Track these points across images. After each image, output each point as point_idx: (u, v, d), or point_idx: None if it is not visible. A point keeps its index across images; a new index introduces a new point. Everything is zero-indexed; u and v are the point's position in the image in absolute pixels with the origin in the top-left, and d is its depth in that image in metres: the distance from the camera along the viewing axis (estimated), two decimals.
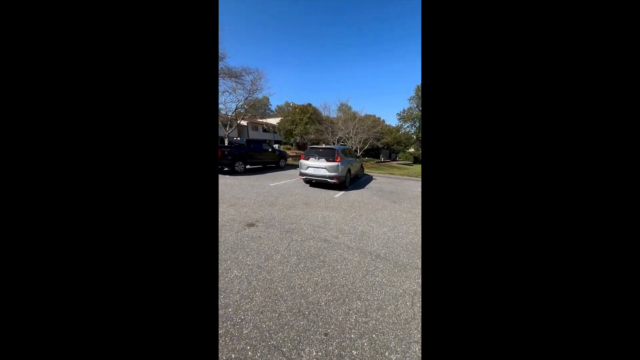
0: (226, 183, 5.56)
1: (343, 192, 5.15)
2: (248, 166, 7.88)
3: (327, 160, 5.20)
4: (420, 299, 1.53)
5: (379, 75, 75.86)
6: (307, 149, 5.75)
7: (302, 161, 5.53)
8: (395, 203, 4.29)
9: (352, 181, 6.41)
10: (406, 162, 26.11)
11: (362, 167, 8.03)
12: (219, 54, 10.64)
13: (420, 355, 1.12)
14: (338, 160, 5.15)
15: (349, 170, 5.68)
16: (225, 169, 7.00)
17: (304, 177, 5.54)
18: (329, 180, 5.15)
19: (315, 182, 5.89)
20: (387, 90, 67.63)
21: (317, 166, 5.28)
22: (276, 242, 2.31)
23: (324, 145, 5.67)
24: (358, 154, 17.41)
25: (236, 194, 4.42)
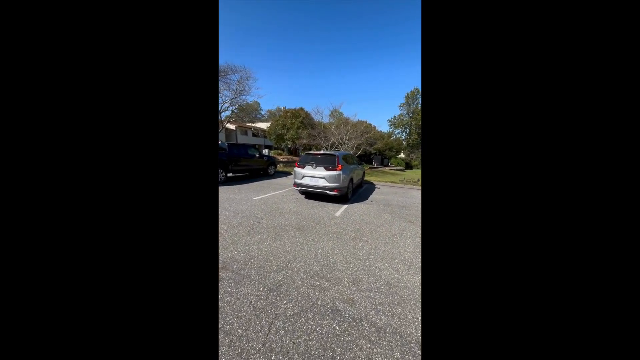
0: None
1: (345, 206, 4.19)
2: (230, 174, 6.75)
3: (327, 168, 4.24)
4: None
5: (370, 81, 77.54)
6: (302, 155, 4.77)
7: (297, 169, 4.54)
8: (414, 224, 3.38)
9: (354, 191, 5.50)
10: (398, 167, 25.97)
11: (364, 174, 7.17)
12: None
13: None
14: (339, 168, 4.21)
15: (351, 180, 4.75)
16: None
17: (299, 189, 4.53)
18: (328, 192, 4.18)
19: (312, 194, 4.91)
20: (378, 96, 68.97)
21: (314, 175, 4.31)
22: (248, 324, 1.28)
23: (322, 151, 4.74)
24: None
25: None
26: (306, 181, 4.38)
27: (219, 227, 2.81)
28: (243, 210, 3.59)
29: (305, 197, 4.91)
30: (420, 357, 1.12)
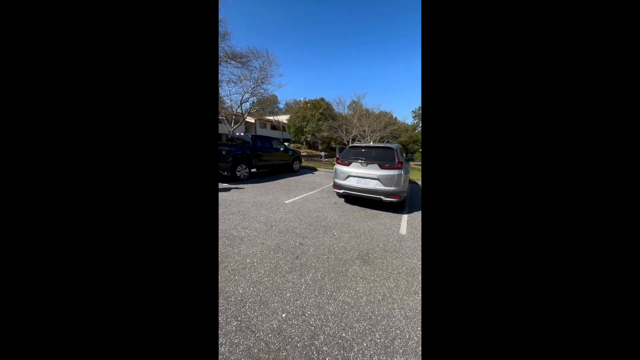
0: (221, 199, 3.69)
1: (405, 216, 3.15)
2: (254, 170, 6.03)
3: (382, 166, 3.20)
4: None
5: (393, 71, 72.68)
6: (346, 149, 3.76)
7: (340, 167, 3.56)
8: None
9: None
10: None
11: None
12: (221, 32, 8.87)
13: None
14: (399, 166, 3.15)
15: (408, 182, 3.68)
16: (226, 173, 5.15)
17: (342, 191, 3.54)
18: (383, 198, 3.16)
19: (354, 197, 3.94)
20: (402, 87, 64.42)
21: (365, 175, 3.29)
22: None
23: (372, 144, 3.67)
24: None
25: (231, 226, 2.53)
26: (352, 183, 3.39)
27: (250, 252, 1.98)
28: (277, 222, 2.74)
29: (345, 201, 3.96)
30: None
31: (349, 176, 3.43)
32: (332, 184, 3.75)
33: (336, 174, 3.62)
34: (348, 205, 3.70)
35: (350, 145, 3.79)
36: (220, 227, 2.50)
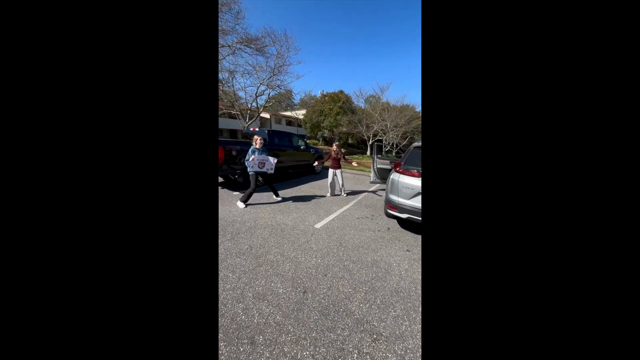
0: (229, 222, 2.63)
1: None
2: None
3: None
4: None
5: (415, 63, 67.94)
6: (410, 151, 2.47)
7: (404, 179, 2.31)
8: None
9: None
10: None
11: None
12: (234, 11, 7.86)
13: None
14: None
15: None
16: (236, 177, 4.15)
17: (406, 216, 2.30)
18: None
19: (412, 222, 2.71)
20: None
21: None
22: None
23: None
24: (394, 151, 13.85)
25: (237, 290, 1.40)
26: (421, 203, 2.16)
27: None
28: (312, 278, 1.61)
29: (401, 225, 2.75)
30: None
31: (419, 193, 2.19)
32: (385, 202, 2.54)
33: (394, 189, 2.39)
34: (409, 235, 2.48)
35: (415, 145, 2.51)
36: (220, 291, 1.43)
